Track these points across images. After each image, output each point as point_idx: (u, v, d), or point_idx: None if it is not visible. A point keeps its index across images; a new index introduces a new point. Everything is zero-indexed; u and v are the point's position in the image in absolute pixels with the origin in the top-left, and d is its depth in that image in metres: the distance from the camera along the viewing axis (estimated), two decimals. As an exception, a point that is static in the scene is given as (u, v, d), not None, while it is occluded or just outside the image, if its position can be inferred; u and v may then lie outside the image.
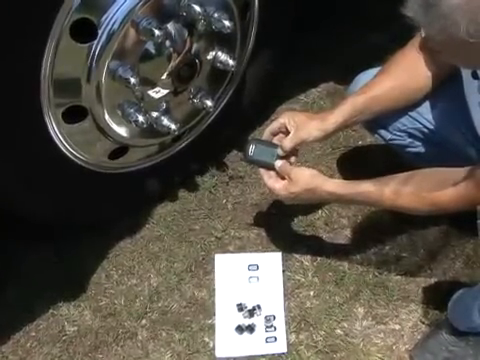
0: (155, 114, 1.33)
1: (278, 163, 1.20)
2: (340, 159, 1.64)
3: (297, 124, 1.21)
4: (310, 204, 1.44)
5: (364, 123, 1.35)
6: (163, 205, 1.56)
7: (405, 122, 1.30)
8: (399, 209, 1.15)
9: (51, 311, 1.36)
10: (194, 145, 1.51)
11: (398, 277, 1.41)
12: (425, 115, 1.28)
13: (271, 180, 1.23)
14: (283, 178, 1.20)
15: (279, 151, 1.21)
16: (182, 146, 1.49)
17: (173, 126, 1.33)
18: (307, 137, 1.20)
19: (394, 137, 1.33)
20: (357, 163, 1.62)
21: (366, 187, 1.15)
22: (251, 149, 1.23)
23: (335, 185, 1.18)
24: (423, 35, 1.16)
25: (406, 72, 1.19)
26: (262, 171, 1.24)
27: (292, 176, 1.19)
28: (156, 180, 1.50)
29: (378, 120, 1.30)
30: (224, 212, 1.55)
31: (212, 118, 1.49)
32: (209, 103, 1.39)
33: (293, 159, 1.24)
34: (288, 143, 1.20)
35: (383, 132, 1.32)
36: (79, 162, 1.28)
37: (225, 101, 1.49)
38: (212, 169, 1.61)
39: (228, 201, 1.57)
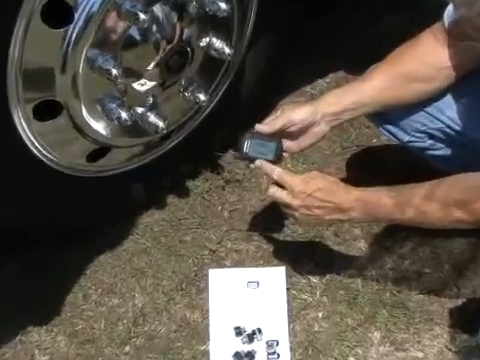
0: (140, 110, 1.33)
1: (275, 173, 1.21)
2: (351, 160, 1.63)
3: (286, 108, 1.26)
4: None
5: (371, 118, 1.35)
6: (149, 213, 1.55)
7: (424, 121, 1.29)
8: (423, 224, 1.15)
9: (19, 337, 1.35)
10: (185, 145, 1.49)
11: (420, 296, 1.40)
12: (447, 112, 1.27)
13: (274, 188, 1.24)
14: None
15: (273, 145, 1.23)
16: (171, 146, 1.48)
17: (161, 123, 1.33)
18: (295, 116, 1.21)
19: (413, 139, 1.32)
20: (371, 165, 1.60)
21: (382, 199, 1.15)
22: (246, 145, 1.23)
23: (348, 196, 1.17)
24: (450, 20, 1.17)
25: (414, 60, 1.20)
26: (265, 167, 1.24)
27: (287, 186, 1.20)
28: (142, 185, 1.49)
29: (390, 118, 1.30)
30: (219, 221, 1.54)
31: (206, 114, 1.51)
32: (202, 97, 1.39)
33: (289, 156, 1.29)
34: (274, 123, 1.22)
35: (400, 134, 1.32)
36: (52, 165, 1.27)
37: (220, 94, 1.49)
38: (206, 172, 1.60)
39: (224, 208, 1.56)
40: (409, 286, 1.42)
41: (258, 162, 1.23)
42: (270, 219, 1.53)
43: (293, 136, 1.26)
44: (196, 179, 1.60)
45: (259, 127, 1.25)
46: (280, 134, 1.26)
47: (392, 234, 1.48)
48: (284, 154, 1.28)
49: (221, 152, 1.64)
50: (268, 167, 1.24)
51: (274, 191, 1.23)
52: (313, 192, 1.18)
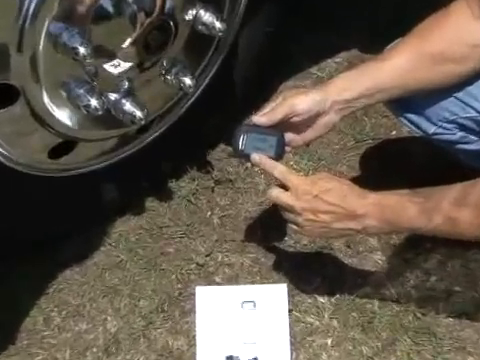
0: (114, 96, 1.32)
1: (277, 170, 1.21)
2: (366, 157, 1.64)
3: (288, 94, 1.25)
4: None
5: (390, 105, 1.35)
6: (124, 220, 1.55)
7: (454, 109, 1.28)
8: (453, 235, 1.14)
9: (-32, 370, 1.38)
10: (167, 138, 1.49)
11: (449, 320, 1.40)
12: (482, 99, 1.27)
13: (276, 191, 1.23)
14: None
15: (274, 140, 1.23)
16: (151, 140, 1.48)
17: (138, 113, 1.32)
18: (299, 104, 1.20)
19: (440, 131, 1.31)
20: (390, 162, 1.60)
21: (403, 203, 1.14)
22: (242, 139, 1.23)
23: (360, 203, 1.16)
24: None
25: (444, 36, 1.19)
26: (265, 163, 1.24)
27: (291, 185, 1.20)
28: (115, 186, 1.50)
29: (413, 106, 1.29)
30: (208, 229, 1.54)
31: (192, 101, 1.50)
32: (188, 81, 1.38)
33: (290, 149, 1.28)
34: (274, 113, 1.22)
35: (425, 124, 1.31)
36: (6, 162, 1.26)
37: (210, 78, 1.49)
38: (192, 170, 1.60)
39: (214, 214, 1.57)
40: (436, 307, 1.41)
41: (256, 156, 1.22)
42: (269, 227, 1.53)
43: (297, 128, 1.25)
44: (180, 179, 1.60)
45: (257, 118, 1.24)
46: (281, 126, 1.24)
47: (415, 245, 1.48)
48: (286, 149, 1.28)
49: (211, 147, 1.64)
50: (268, 163, 1.23)
51: (274, 192, 1.22)
52: (320, 193, 1.17)
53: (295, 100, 1.22)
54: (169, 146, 1.51)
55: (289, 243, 1.51)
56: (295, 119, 1.22)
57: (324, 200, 1.17)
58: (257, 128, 1.24)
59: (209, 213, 1.57)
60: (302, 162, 1.63)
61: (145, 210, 1.56)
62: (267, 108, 1.25)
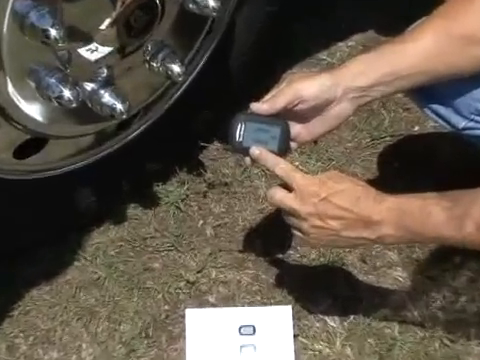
0: (90, 86, 1.32)
1: (280, 166, 1.20)
2: (384, 155, 1.64)
3: (294, 78, 1.24)
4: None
5: (413, 95, 1.34)
6: (103, 230, 1.55)
7: None
8: None
9: None
10: (153, 135, 1.49)
11: None
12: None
13: (278, 191, 1.23)
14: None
15: (277, 131, 1.21)
16: (134, 137, 1.48)
17: (119, 105, 1.32)
18: (306, 89, 1.20)
19: (471, 125, 1.29)
20: (411, 162, 1.61)
21: (428, 209, 1.13)
22: (239, 131, 1.22)
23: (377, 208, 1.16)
24: None
25: (475, 16, 1.19)
26: (266, 157, 1.22)
27: (295, 185, 1.19)
28: (91, 191, 1.50)
29: (440, 96, 1.28)
30: (200, 241, 1.54)
31: (181, 92, 1.50)
32: (176, 68, 1.38)
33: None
34: (276, 100, 1.21)
35: (454, 117, 1.29)
36: None
37: (202, 64, 1.49)
38: (181, 172, 1.61)
39: (207, 223, 1.57)
40: (467, 333, 1.42)
41: (256, 149, 1.20)
42: (271, 238, 1.53)
43: (303, 119, 1.24)
44: (168, 182, 1.60)
45: (256, 106, 1.23)
46: (286, 116, 1.24)
47: (442, 259, 1.48)
48: (292, 146, 1.28)
49: (203, 145, 1.64)
50: (270, 158, 1.22)
51: (276, 193, 1.22)
52: (330, 196, 1.16)
53: (301, 84, 1.21)
54: (155, 144, 1.51)
55: (294, 257, 1.51)
56: (301, 107, 1.21)
57: (333, 203, 1.17)
58: (258, 117, 1.23)
59: (201, 222, 1.57)
60: (310, 162, 1.63)
61: (126, 219, 1.56)
62: (269, 95, 1.25)
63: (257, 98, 1.28)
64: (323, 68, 1.75)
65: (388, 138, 1.67)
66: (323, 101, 1.21)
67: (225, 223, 1.57)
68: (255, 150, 1.22)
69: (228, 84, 1.57)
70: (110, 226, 1.56)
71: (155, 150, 1.53)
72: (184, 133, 1.57)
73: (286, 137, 1.23)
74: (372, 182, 1.46)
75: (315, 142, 1.63)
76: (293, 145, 1.27)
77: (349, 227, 1.18)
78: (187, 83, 1.49)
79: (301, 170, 1.57)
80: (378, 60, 1.22)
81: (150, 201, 1.58)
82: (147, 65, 1.39)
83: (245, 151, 1.24)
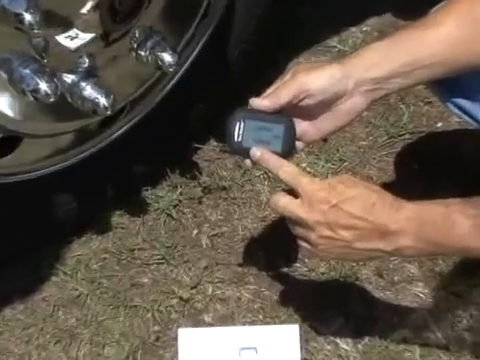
0: (70, 78, 1.31)
1: (284, 169, 1.20)
2: (403, 155, 1.65)
3: (299, 69, 1.24)
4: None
5: (434, 88, 1.34)
6: (84, 241, 1.56)
7: None
8: None
9: None
10: (141, 133, 1.50)
11: None
12: None
13: (282, 196, 1.23)
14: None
15: (280, 129, 1.22)
16: (119, 135, 1.48)
17: (103, 100, 1.31)
18: (313, 81, 1.20)
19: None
20: (433, 163, 1.61)
21: (452, 217, 1.13)
22: (238, 129, 1.23)
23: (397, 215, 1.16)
24: None
25: None
26: (268, 159, 1.22)
27: (302, 191, 1.18)
28: (72, 197, 1.50)
29: (465, 89, 1.28)
30: (195, 252, 1.55)
31: (173, 84, 1.51)
32: (168, 58, 1.38)
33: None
34: (280, 94, 1.21)
35: None
36: None
37: (196, 54, 1.49)
38: (173, 175, 1.62)
39: (202, 232, 1.58)
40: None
41: (257, 151, 1.21)
42: (275, 249, 1.54)
43: (310, 115, 1.24)
44: (158, 187, 1.61)
45: (257, 102, 1.23)
46: (291, 113, 1.24)
47: (468, 273, 1.48)
48: (298, 146, 1.27)
49: (198, 145, 1.65)
50: (272, 160, 1.22)
51: (280, 200, 1.22)
52: (341, 202, 1.16)
53: (307, 77, 1.21)
54: (143, 144, 1.51)
55: (301, 271, 1.51)
56: (308, 102, 1.21)
57: (345, 211, 1.17)
58: (259, 114, 1.23)
59: (196, 231, 1.58)
60: (318, 164, 1.63)
61: (111, 228, 1.57)
62: (271, 88, 1.25)
63: (258, 92, 1.27)
64: (333, 57, 1.76)
65: (407, 136, 1.68)
66: (332, 95, 1.21)
67: (223, 232, 1.57)
68: (256, 151, 1.22)
69: (226, 76, 1.58)
70: (92, 236, 1.56)
71: (143, 150, 1.54)
72: (176, 131, 1.57)
73: (291, 136, 1.23)
74: (389, 186, 1.46)
75: (324, 141, 1.63)
76: (299, 145, 1.26)
77: (363, 238, 1.18)
78: (179, 74, 1.49)
79: (308, 173, 1.58)
80: (395, 48, 1.21)
81: (138, 208, 1.58)
82: (134, 54, 1.38)
83: (245, 152, 1.24)
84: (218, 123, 1.55)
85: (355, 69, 1.20)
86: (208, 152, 1.66)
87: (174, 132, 1.57)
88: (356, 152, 1.66)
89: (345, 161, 1.64)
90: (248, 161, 1.23)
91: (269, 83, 1.27)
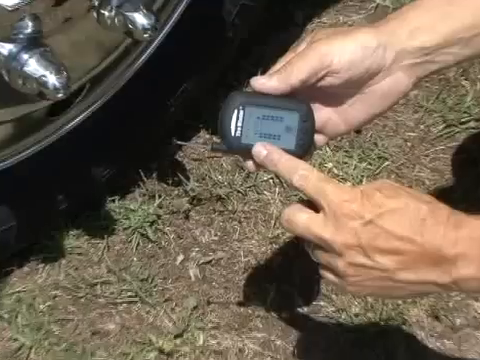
0: (7, 49, 1.33)
1: (299, 174, 1.18)
2: (464, 151, 1.67)
3: (319, 36, 1.25)
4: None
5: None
6: (27, 272, 1.57)
7: None
8: None
9: None
10: (105, 124, 1.52)
11: None
12: None
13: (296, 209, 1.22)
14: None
15: (294, 118, 1.22)
16: (75, 126, 1.50)
17: (52, 78, 1.32)
18: (338, 53, 1.21)
19: None
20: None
21: None
22: (237, 121, 1.24)
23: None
24: None
25: None
26: (277, 160, 1.21)
27: (325, 202, 1.18)
28: (9, 211, 1.51)
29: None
30: (180, 287, 1.57)
31: (148, 57, 1.53)
32: (141, 19, 1.39)
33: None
34: (292, 72, 1.21)
35: None
36: None
37: (180, 13, 1.51)
38: (149, 180, 1.64)
39: (189, 259, 1.60)
40: None
41: (261, 148, 1.22)
42: (289, 281, 1.56)
43: (335, 99, 1.26)
44: (128, 196, 1.64)
45: (261, 81, 1.23)
46: (308, 96, 1.25)
47: None
48: (317, 139, 1.27)
49: (183, 139, 1.64)
50: (284, 161, 1.22)
51: (296, 214, 1.22)
52: (378, 218, 1.17)
53: (330, 46, 1.22)
54: (108, 138, 1.54)
55: (326, 311, 1.53)
56: (331, 81, 1.20)
57: (385, 229, 1.17)
58: (264, 99, 1.24)
59: (181, 257, 1.60)
60: (349, 164, 1.66)
61: (64, 254, 1.58)
62: (281, 62, 1.25)
63: (264, 67, 1.27)
64: (368, 17, 1.78)
65: (472, 124, 1.69)
66: (365, 71, 1.21)
67: (218, 259, 1.60)
68: (261, 149, 1.22)
69: (221, 44, 1.60)
70: (39, 266, 1.57)
71: (108, 148, 1.56)
72: (153, 121, 1.60)
73: (308, 128, 1.24)
74: (445, 194, 1.51)
75: (357, 132, 1.66)
76: (320, 139, 1.27)
77: (409, 266, 1.18)
78: (157, 43, 1.51)
79: (335, 177, 1.61)
80: (453, 4, 1.23)
81: (101, 226, 1.60)
82: (95, 15, 1.39)
83: (246, 151, 1.24)
84: (210, 110, 1.59)
85: (396, 35, 1.21)
86: (197, 149, 1.68)
87: (150, 122, 1.59)
88: (402, 147, 1.68)
89: (386, 160, 1.66)
90: (250, 163, 1.23)
91: (280, 54, 1.27)
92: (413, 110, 1.71)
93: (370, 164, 1.67)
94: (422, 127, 1.71)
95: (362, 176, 1.65)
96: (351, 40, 1.22)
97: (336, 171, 1.65)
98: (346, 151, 1.67)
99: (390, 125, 1.70)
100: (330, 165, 1.65)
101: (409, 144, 1.70)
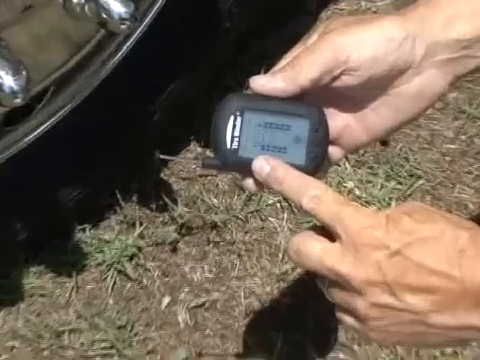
0: None
1: (310, 194, 1.19)
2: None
3: (333, 25, 1.25)
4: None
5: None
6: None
7: None
8: None
9: None
10: (73, 135, 1.53)
11: None
12: None
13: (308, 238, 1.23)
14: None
15: (303, 127, 1.22)
16: (36, 137, 1.51)
17: (8, 79, 1.35)
18: (354, 46, 1.21)
19: None
20: None
21: None
22: (232, 129, 1.25)
23: None
24: None
25: None
26: (286, 177, 1.22)
27: (342, 229, 1.22)
28: None
29: None
30: (166, 336, 1.59)
31: (126, 52, 1.55)
32: (118, 7, 1.40)
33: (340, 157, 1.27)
34: (301, 70, 1.21)
35: None
36: None
37: (163, 4, 1.52)
38: (127, 205, 1.66)
39: (177, 302, 1.61)
40: None
41: (264, 163, 1.22)
42: (300, 328, 1.57)
43: (354, 103, 1.27)
44: (102, 224, 1.66)
45: (262, 81, 1.25)
46: (321, 99, 1.25)
47: None
48: (333, 152, 1.29)
49: (169, 150, 1.67)
50: (291, 179, 1.23)
51: (307, 244, 1.21)
52: (408, 248, 1.17)
53: (347, 37, 1.22)
54: (77, 152, 1.55)
55: (344, 363, 1.56)
56: (348, 81, 1.20)
57: (415, 262, 1.17)
58: (267, 103, 1.25)
59: (167, 300, 1.62)
60: (374, 182, 1.67)
61: (22, 296, 1.59)
62: (287, 58, 1.26)
63: (267, 65, 1.27)
64: (392, 4, 1.79)
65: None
66: (389, 69, 1.22)
67: (214, 301, 1.61)
68: (263, 165, 1.22)
69: (215, 36, 1.62)
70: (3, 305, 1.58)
71: (78, 164, 1.58)
72: (133, 131, 1.61)
73: (321, 138, 1.25)
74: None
75: (383, 143, 1.68)
76: (336, 153, 1.28)
77: (446, 307, 1.18)
78: (137, 35, 1.53)
79: (356, 200, 1.62)
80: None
81: (69, 261, 1.62)
82: (61, 1, 1.40)
83: (245, 167, 1.24)
84: (202, 118, 1.61)
85: (428, 24, 1.22)
86: (186, 165, 1.69)
87: (129, 132, 1.61)
88: (439, 162, 1.69)
89: (420, 178, 1.67)
90: (250, 182, 1.23)
91: (286, 49, 1.29)
92: (452, 117, 1.72)
93: (400, 183, 1.68)
94: (464, 138, 1.73)
95: (390, 198, 1.67)
96: (373, 30, 1.23)
97: (358, 192, 1.66)
98: (370, 167, 1.68)
99: (424, 135, 1.71)
100: (350, 185, 1.67)
101: (448, 159, 1.71)
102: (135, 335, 1.59)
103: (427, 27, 1.25)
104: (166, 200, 1.66)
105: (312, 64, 1.24)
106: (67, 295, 1.61)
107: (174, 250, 1.65)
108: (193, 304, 1.61)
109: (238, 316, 1.61)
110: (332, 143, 1.28)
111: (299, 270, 1.57)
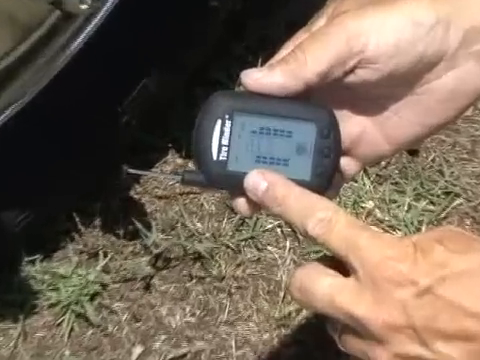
0: None
1: (318, 222, 1.19)
2: None
3: (345, 7, 1.23)
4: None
5: None
6: None
7: None
8: None
9: None
10: (21, 146, 1.54)
11: None
12: None
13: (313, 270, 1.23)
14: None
15: (309, 133, 1.20)
16: None
17: None
18: (374, 35, 1.19)
19: None
20: None
21: None
22: (220, 136, 1.22)
23: None
24: None
25: None
26: (288, 196, 1.22)
27: (357, 261, 1.18)
28: None
29: None
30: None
31: (87, 38, 1.56)
32: None
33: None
34: (304, 61, 1.20)
35: None
36: None
37: None
38: (88, 230, 1.66)
39: (152, 353, 1.62)
40: None
41: (260, 179, 1.21)
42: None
43: (372, 104, 1.27)
44: (58, 255, 1.66)
45: (257, 76, 1.25)
46: (330, 98, 1.27)
47: None
48: (346, 164, 1.29)
49: (139, 168, 1.66)
50: (294, 199, 1.23)
51: (314, 280, 1.22)
52: (438, 284, 1.16)
53: (361, 22, 1.22)
54: (25, 165, 1.56)
55: None
56: (364, 76, 1.21)
57: (449, 302, 1.17)
58: (261, 103, 1.24)
59: (139, 350, 1.62)
60: (399, 203, 1.68)
61: None
62: (289, 47, 1.27)
63: (264, 54, 1.28)
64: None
65: None
66: (416, 61, 1.21)
67: (197, 352, 1.62)
68: (259, 181, 1.21)
69: (200, 18, 1.63)
70: None
71: (26, 180, 1.58)
72: (96, 139, 1.62)
73: (331, 147, 1.25)
74: None
75: (411, 153, 1.68)
76: (351, 165, 1.26)
77: None
78: (101, 18, 1.55)
79: (377, 225, 1.62)
80: None
81: (15, 301, 1.63)
82: None
83: (235, 183, 1.23)
84: (182, 121, 1.61)
85: (464, 5, 1.24)
86: (163, 181, 1.70)
87: (91, 140, 1.62)
88: (477, 176, 1.70)
89: (457, 196, 1.69)
90: (242, 202, 1.22)
91: (286, 35, 1.30)
92: (495, 123, 1.72)
93: (432, 203, 1.69)
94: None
95: (420, 222, 1.67)
96: (396, 12, 1.22)
97: (379, 214, 1.67)
98: (395, 183, 1.69)
99: (463, 143, 1.73)
100: (370, 205, 1.67)
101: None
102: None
103: (464, 9, 1.24)
104: (137, 225, 1.66)
105: (319, 54, 1.23)
106: (12, 345, 1.63)
107: (147, 287, 1.65)
108: (171, 356, 1.62)
109: (241, 333, 1.63)
110: (345, 153, 1.27)
111: (304, 313, 1.58)
